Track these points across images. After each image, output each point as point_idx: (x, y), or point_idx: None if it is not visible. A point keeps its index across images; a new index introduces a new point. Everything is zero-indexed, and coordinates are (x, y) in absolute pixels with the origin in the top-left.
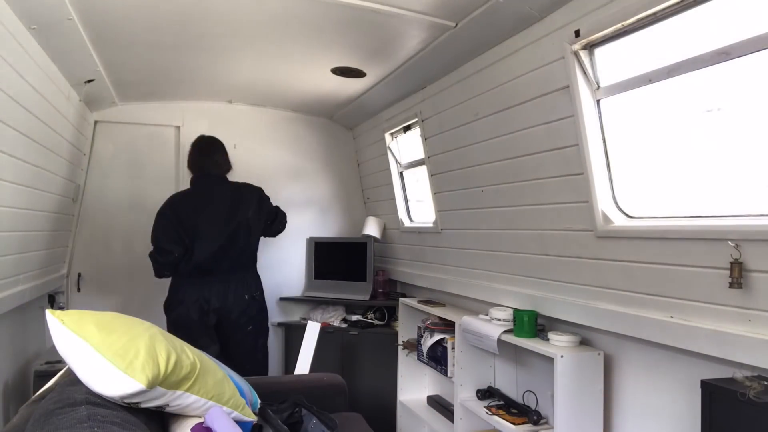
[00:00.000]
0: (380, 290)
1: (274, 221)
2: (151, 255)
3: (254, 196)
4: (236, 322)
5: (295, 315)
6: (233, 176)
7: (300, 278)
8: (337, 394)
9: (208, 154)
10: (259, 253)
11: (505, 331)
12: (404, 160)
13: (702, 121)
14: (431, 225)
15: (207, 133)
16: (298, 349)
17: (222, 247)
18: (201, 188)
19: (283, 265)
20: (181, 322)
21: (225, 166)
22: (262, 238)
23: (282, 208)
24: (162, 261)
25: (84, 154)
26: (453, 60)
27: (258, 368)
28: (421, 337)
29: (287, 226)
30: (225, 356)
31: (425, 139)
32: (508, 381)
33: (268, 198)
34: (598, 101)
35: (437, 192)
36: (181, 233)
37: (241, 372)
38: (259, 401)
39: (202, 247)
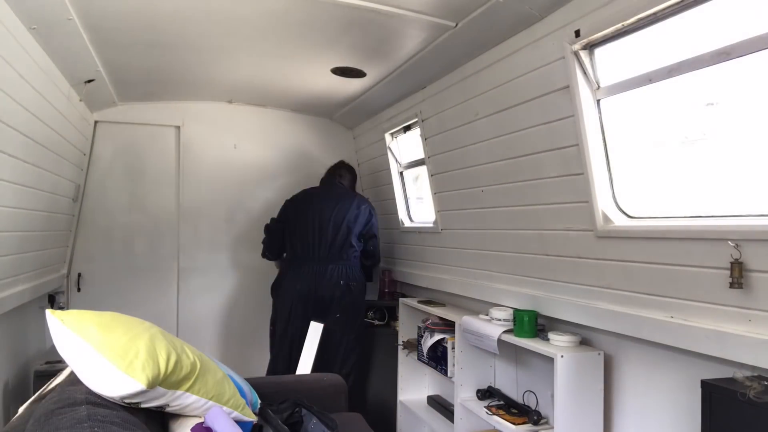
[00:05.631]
0: (386, 290)
1: (371, 249)
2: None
3: (362, 205)
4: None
5: None
6: (234, 176)
7: None
8: (337, 394)
9: (336, 168)
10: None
11: (506, 331)
12: (404, 160)
13: (702, 121)
14: (431, 225)
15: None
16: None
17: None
18: (322, 186)
19: None
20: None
21: (346, 180)
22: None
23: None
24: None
25: (84, 154)
26: (453, 60)
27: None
28: (421, 337)
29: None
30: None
31: (425, 139)
32: (508, 381)
33: (372, 217)
34: (598, 101)
35: (437, 192)
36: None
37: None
38: (259, 401)
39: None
